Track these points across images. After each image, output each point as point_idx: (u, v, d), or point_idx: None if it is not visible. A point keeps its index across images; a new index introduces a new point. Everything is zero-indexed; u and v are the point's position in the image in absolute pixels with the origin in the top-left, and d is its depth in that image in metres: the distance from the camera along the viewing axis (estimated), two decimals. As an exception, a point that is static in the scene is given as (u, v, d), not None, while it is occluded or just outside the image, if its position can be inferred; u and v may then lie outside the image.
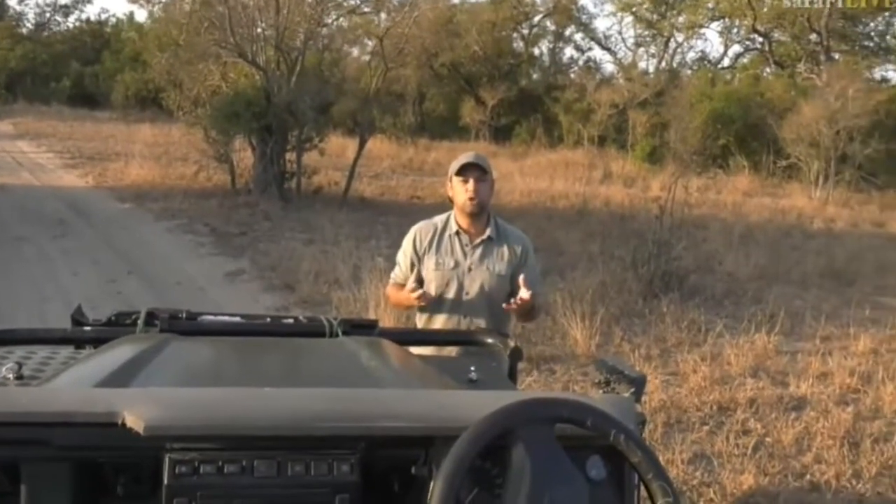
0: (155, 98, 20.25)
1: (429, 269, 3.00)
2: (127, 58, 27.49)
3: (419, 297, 2.88)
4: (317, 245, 9.16)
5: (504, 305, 2.86)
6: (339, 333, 2.28)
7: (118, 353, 1.79)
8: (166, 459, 1.25)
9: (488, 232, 3.01)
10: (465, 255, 3.00)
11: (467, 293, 2.98)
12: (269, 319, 2.49)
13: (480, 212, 2.99)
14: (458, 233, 3.02)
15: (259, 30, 12.58)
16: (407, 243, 3.08)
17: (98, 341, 2.09)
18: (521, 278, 2.84)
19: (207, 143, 12.93)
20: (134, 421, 1.23)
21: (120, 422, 1.24)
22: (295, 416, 1.31)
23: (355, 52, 20.85)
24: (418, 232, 3.07)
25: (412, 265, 3.05)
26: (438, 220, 3.09)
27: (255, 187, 12.68)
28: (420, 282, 3.02)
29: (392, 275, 3.16)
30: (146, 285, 7.48)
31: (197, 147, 13.76)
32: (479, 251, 3.00)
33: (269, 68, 12.37)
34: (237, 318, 2.39)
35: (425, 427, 1.36)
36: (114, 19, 36.96)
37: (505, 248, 3.01)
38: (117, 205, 11.77)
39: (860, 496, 4.10)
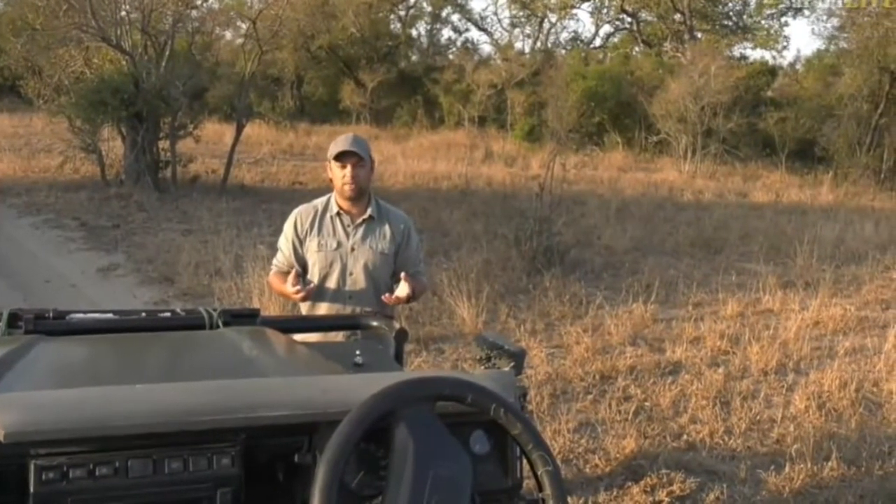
0: (12, 86, 18.99)
1: (311, 251, 3.01)
2: (-22, 43, 25.64)
3: (300, 295, 2.86)
4: (196, 235, 8.88)
5: (384, 298, 2.88)
6: (220, 325, 2.23)
7: (-24, 359, 1.68)
8: (31, 466, 1.19)
9: (369, 211, 3.03)
10: (347, 235, 3.01)
11: (351, 273, 3.00)
12: (144, 314, 2.40)
13: (359, 196, 3.01)
14: (339, 214, 3.03)
15: (123, 13, 12.00)
16: (288, 227, 3.07)
17: (-46, 347, 1.95)
18: (402, 274, 2.88)
19: (73, 132, 12.24)
20: (-7, 429, 1.16)
21: (-23, 431, 1.17)
22: (168, 411, 1.27)
23: (228, 34, 20.28)
24: (299, 215, 3.06)
25: (294, 249, 3.03)
26: (319, 202, 3.09)
27: (128, 178, 12.13)
28: (304, 266, 3.02)
29: (274, 261, 3.13)
30: (11, 285, 7.04)
31: (62, 137, 13.01)
32: (361, 231, 3.02)
33: (135, 53, 11.82)
34: (110, 315, 2.29)
35: (307, 414, 1.35)
36: (-39, 2, 34.41)
37: (387, 227, 3.04)
38: (-25, 201, 11.03)
39: (732, 451, 4.35)
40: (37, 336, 1.95)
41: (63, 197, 11.15)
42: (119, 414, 1.25)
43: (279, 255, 3.10)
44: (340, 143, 2.99)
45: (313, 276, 2.99)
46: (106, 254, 8.32)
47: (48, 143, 14.89)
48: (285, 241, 3.07)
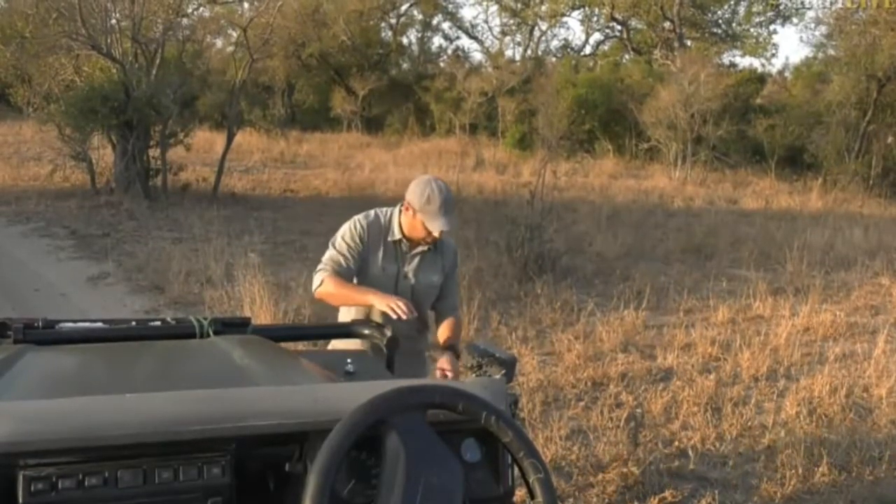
0: (2, 94, 18.95)
1: (371, 268, 2.92)
2: (-34, 51, 25.51)
3: (407, 314, 2.71)
4: (186, 243, 8.85)
5: (439, 375, 2.87)
6: (211, 333, 2.22)
7: (-35, 369, 1.67)
8: (20, 477, 1.18)
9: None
10: (403, 262, 2.94)
11: None
12: (134, 323, 2.38)
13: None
14: (400, 240, 2.94)
15: (113, 21, 11.97)
16: (354, 234, 2.91)
17: (-58, 357, 1.94)
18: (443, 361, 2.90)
19: (62, 140, 12.22)
20: (-20, 439, 1.16)
21: (-35, 441, 1.16)
22: (159, 420, 1.27)
23: (219, 42, 20.32)
24: (369, 226, 2.93)
25: (356, 257, 2.89)
26: (384, 218, 2.97)
27: (118, 186, 12.10)
28: (352, 277, 2.92)
29: (330, 266, 2.89)
30: (0, 294, 7.01)
31: (51, 145, 13.00)
32: (416, 260, 2.95)
33: (126, 61, 11.80)
34: (100, 324, 2.28)
35: (298, 422, 1.34)
36: (-50, 10, 34.25)
37: (440, 258, 3.00)
38: (-36, 210, 10.97)
39: (724, 457, 4.35)
40: (26, 345, 1.94)
41: (53, 205, 11.11)
42: (109, 424, 1.24)
43: (339, 259, 2.89)
44: (437, 215, 2.79)
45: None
46: (96, 262, 8.29)
47: (38, 152, 14.86)
48: (348, 247, 2.89)
